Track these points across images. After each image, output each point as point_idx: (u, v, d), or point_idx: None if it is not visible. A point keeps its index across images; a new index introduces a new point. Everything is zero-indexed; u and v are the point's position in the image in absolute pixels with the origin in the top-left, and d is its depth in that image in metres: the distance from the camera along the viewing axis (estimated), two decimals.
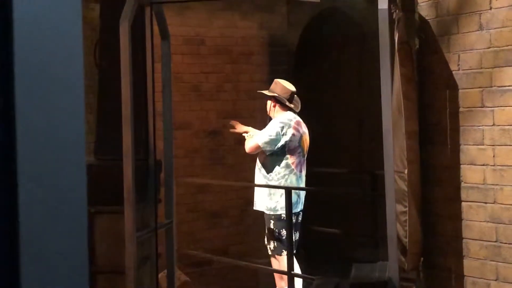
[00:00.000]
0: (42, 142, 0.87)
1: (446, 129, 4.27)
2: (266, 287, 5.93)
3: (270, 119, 5.43)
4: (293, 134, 5.28)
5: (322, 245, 6.72)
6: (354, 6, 7.09)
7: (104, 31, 4.39)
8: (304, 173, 5.40)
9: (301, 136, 5.34)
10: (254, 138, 5.35)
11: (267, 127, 5.36)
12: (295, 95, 5.44)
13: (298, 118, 5.41)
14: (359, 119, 7.41)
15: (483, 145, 4.07)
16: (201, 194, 6.96)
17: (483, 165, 4.07)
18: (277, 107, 5.41)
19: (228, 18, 7.17)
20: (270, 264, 5.48)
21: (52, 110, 0.88)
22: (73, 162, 0.90)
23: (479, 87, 4.07)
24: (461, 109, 4.19)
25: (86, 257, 0.91)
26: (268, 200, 5.31)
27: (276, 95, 5.38)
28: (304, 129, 5.41)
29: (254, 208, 5.44)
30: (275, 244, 5.30)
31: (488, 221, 4.04)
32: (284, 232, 5.26)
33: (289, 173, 5.30)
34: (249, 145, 5.36)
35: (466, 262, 4.17)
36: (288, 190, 5.15)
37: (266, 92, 5.44)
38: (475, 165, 4.11)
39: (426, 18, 4.38)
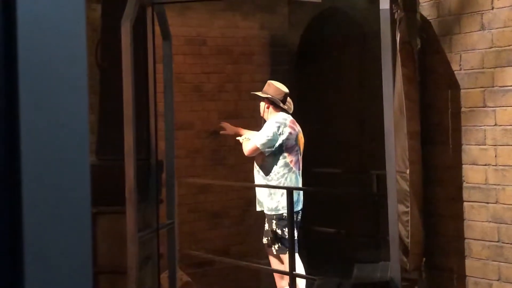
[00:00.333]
0: (46, 142, 0.86)
1: (448, 129, 4.27)
2: (267, 287, 5.93)
3: (264, 121, 5.46)
4: (290, 133, 5.31)
5: (324, 245, 6.71)
6: (356, 6, 7.09)
7: (105, 32, 4.39)
8: (300, 171, 5.42)
9: (297, 134, 5.38)
10: (252, 141, 5.36)
11: (263, 128, 5.38)
12: (288, 97, 5.46)
13: (292, 118, 5.44)
14: (361, 120, 7.41)
15: (485, 145, 4.06)
16: (202, 195, 6.96)
17: (485, 165, 4.06)
18: (271, 108, 5.44)
19: (229, 18, 7.17)
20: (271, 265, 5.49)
21: (56, 110, 0.88)
22: (76, 163, 0.90)
23: (481, 87, 4.07)
24: (463, 109, 4.19)
25: (90, 257, 0.91)
26: (269, 201, 5.32)
27: (270, 96, 5.40)
28: (299, 127, 5.45)
29: (257, 209, 5.46)
30: (279, 244, 5.31)
31: (490, 221, 4.04)
32: (286, 232, 5.26)
33: (288, 171, 5.32)
34: (247, 148, 5.37)
35: (468, 262, 4.17)
36: (290, 190, 5.16)
37: (259, 93, 5.47)
38: (477, 165, 4.11)
39: (428, 18, 4.38)
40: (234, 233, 7.01)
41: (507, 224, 3.95)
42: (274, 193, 5.32)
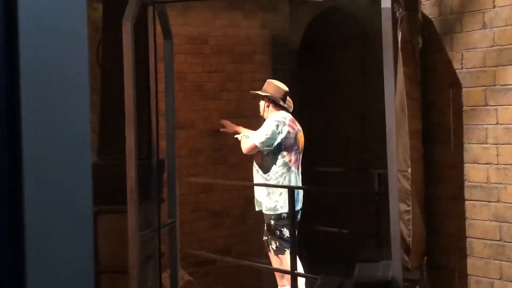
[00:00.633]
0: (47, 142, 0.86)
1: (450, 128, 4.26)
2: (269, 287, 5.94)
3: (264, 120, 5.46)
4: (289, 132, 5.31)
5: (325, 244, 6.72)
6: (357, 5, 7.09)
7: (107, 31, 4.39)
8: (299, 170, 5.42)
9: (297, 134, 5.38)
10: (251, 139, 5.36)
11: (262, 126, 5.38)
12: (288, 95, 5.47)
13: (292, 117, 5.43)
14: (362, 119, 7.40)
15: (486, 143, 4.06)
16: (204, 194, 6.96)
17: (487, 164, 4.06)
18: (271, 107, 5.44)
19: (230, 17, 7.17)
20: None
21: (57, 109, 0.88)
22: (78, 162, 0.90)
23: (483, 86, 4.06)
24: (464, 108, 4.19)
25: (91, 257, 0.91)
26: (267, 200, 5.32)
27: (270, 95, 5.39)
28: (299, 126, 5.44)
29: (256, 209, 5.45)
30: (277, 244, 5.31)
31: (491, 220, 4.04)
32: (285, 231, 5.27)
33: (287, 171, 5.32)
34: (246, 146, 5.36)
35: (469, 261, 4.17)
36: (291, 189, 5.16)
37: (259, 92, 5.46)
38: (478, 164, 4.11)
39: (429, 16, 4.38)
40: (236, 233, 7.01)
41: (508, 223, 3.95)
42: (272, 192, 5.32)
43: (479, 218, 4.11)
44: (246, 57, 7.26)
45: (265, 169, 5.35)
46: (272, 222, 5.31)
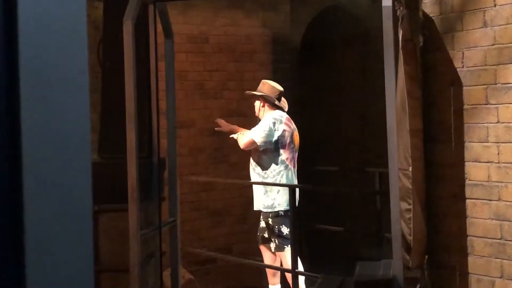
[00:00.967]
0: (47, 141, 0.86)
1: (450, 126, 4.26)
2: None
3: (259, 120, 5.49)
4: (285, 130, 5.36)
5: (326, 243, 6.72)
6: (358, 3, 7.09)
7: (107, 30, 4.39)
8: (296, 168, 5.46)
9: (293, 132, 5.42)
10: (249, 134, 5.39)
11: (259, 124, 5.43)
12: (282, 95, 5.51)
13: (288, 116, 5.48)
14: (363, 117, 7.40)
15: (487, 142, 4.06)
16: (205, 193, 6.96)
17: (488, 162, 4.06)
18: (266, 107, 5.49)
19: (231, 16, 7.16)
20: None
21: (57, 109, 0.88)
22: (78, 161, 0.90)
23: (484, 84, 4.06)
24: (465, 107, 4.18)
25: (91, 255, 0.91)
26: (265, 198, 5.36)
27: (265, 95, 5.43)
28: (294, 125, 5.49)
29: (254, 208, 5.48)
30: (277, 242, 5.33)
31: (492, 219, 4.04)
32: (283, 229, 5.31)
33: (284, 168, 5.36)
34: (244, 141, 5.38)
35: (470, 260, 4.17)
36: (292, 188, 5.17)
37: (255, 92, 5.50)
38: (479, 162, 4.11)
39: (430, 15, 4.37)
40: (237, 231, 7.01)
41: (509, 221, 3.95)
42: (270, 190, 5.35)
43: (480, 216, 4.11)
44: (247, 56, 7.26)
45: (262, 167, 5.39)
46: (270, 220, 5.33)
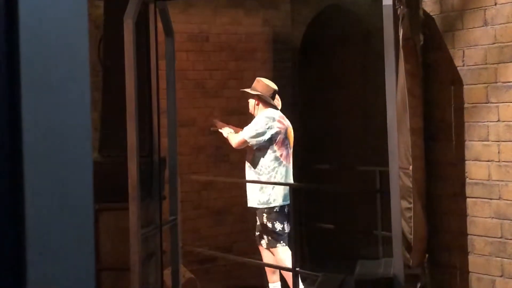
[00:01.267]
0: (48, 139, 0.86)
1: (451, 125, 4.26)
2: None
3: (253, 117, 5.54)
4: (279, 127, 5.40)
5: (326, 242, 6.72)
6: (358, 2, 7.08)
7: (108, 28, 4.39)
8: (291, 164, 5.48)
9: (286, 129, 5.47)
10: (240, 134, 5.46)
11: (252, 122, 5.47)
12: (276, 93, 5.56)
13: (281, 114, 5.53)
14: (363, 116, 7.40)
15: (488, 141, 4.06)
16: (205, 191, 6.96)
17: (488, 161, 4.06)
18: (260, 105, 5.53)
19: (232, 15, 7.16)
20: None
21: (58, 107, 0.88)
22: (79, 159, 0.90)
23: (484, 83, 4.06)
24: (466, 105, 4.18)
25: (93, 254, 0.91)
26: (260, 194, 5.41)
27: (260, 93, 5.46)
28: (288, 123, 5.54)
29: (249, 205, 5.53)
30: (269, 238, 5.38)
31: (493, 217, 4.04)
32: (277, 225, 5.37)
33: (278, 165, 5.40)
34: (235, 140, 5.47)
35: (471, 259, 4.17)
36: (292, 187, 5.17)
37: (249, 90, 5.54)
38: (480, 161, 4.11)
39: (431, 14, 4.37)
40: (237, 230, 7.01)
41: (510, 220, 3.95)
42: (265, 186, 5.41)
43: (480, 215, 4.11)
44: (248, 55, 7.26)
45: (257, 164, 5.44)
46: (265, 216, 5.37)
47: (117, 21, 3.71)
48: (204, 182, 6.89)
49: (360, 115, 7.45)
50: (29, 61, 0.84)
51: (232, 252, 6.81)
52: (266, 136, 5.36)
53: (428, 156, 4.31)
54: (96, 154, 4.26)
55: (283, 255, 5.39)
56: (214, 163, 7.00)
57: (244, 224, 6.98)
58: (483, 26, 4.04)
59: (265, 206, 5.38)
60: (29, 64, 0.84)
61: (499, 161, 4.01)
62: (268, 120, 5.39)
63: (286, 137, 5.44)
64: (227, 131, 5.60)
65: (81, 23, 0.92)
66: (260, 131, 5.37)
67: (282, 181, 5.38)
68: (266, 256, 5.53)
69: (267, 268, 5.58)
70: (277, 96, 5.57)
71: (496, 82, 3.99)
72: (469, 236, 4.18)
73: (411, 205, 4.17)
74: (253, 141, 5.37)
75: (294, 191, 5.14)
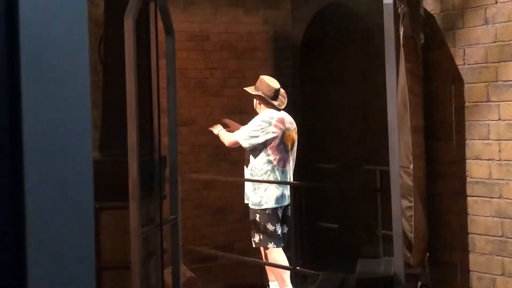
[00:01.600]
0: (48, 139, 0.86)
1: (452, 124, 4.26)
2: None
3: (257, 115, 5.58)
4: (274, 132, 5.39)
5: (327, 241, 6.72)
6: (359, 1, 7.08)
7: (108, 27, 4.39)
8: (289, 168, 5.50)
9: (284, 133, 5.42)
10: (234, 134, 5.48)
11: (248, 123, 5.48)
12: (281, 92, 5.54)
13: (282, 115, 5.49)
14: (364, 115, 7.40)
15: (488, 139, 4.06)
16: (206, 190, 6.96)
17: (489, 159, 4.06)
18: (262, 104, 5.53)
19: (232, 14, 7.16)
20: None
21: (58, 106, 0.88)
22: (79, 158, 0.90)
23: (485, 82, 4.06)
24: (466, 104, 4.18)
25: (93, 253, 0.91)
26: (253, 195, 5.44)
27: (260, 93, 5.45)
28: (289, 125, 5.49)
29: (245, 201, 5.58)
30: (260, 237, 5.41)
31: (494, 216, 4.03)
32: (269, 226, 5.40)
33: (271, 169, 5.41)
34: (229, 140, 5.51)
35: (471, 257, 4.17)
36: (292, 186, 5.18)
37: (250, 90, 5.55)
38: (480, 159, 4.10)
39: (431, 12, 4.37)
40: (238, 229, 7.01)
41: (510, 218, 3.95)
42: (258, 188, 5.44)
43: (481, 214, 4.11)
44: (248, 54, 7.25)
45: (252, 165, 5.47)
46: (257, 215, 5.37)
47: (117, 20, 3.71)
48: (205, 181, 6.89)
49: (360, 114, 7.45)
50: (29, 60, 0.84)
51: (232, 251, 6.81)
52: (260, 140, 5.36)
53: (429, 155, 4.31)
54: (96, 153, 4.26)
55: (276, 256, 5.41)
56: (214, 162, 6.99)
57: (244, 223, 6.98)
58: (483, 24, 4.04)
59: (257, 207, 5.43)
60: (29, 63, 0.84)
61: (499, 160, 4.00)
62: (263, 123, 5.38)
63: (282, 141, 5.42)
64: (218, 129, 5.61)
65: (81, 22, 0.92)
66: (253, 134, 5.37)
67: (275, 184, 5.40)
68: (268, 256, 5.54)
69: (267, 267, 5.60)
70: (283, 94, 5.54)
71: (497, 81, 3.99)
72: (469, 235, 4.18)
73: (412, 204, 4.17)
74: (245, 144, 5.39)
75: (295, 189, 5.14)
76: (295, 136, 5.54)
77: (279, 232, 5.40)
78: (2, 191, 0.83)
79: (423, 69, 4.36)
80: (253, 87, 5.56)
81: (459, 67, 4.21)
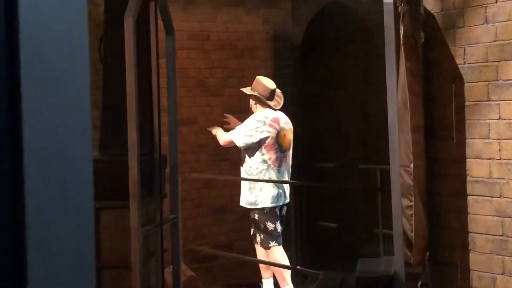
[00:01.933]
0: (48, 138, 0.86)
1: (452, 123, 4.26)
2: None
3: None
4: (268, 131, 5.42)
5: (327, 240, 6.72)
6: (359, 0, 7.08)
7: (108, 27, 4.39)
8: (285, 167, 5.52)
9: (279, 133, 5.44)
10: (229, 133, 5.53)
11: (243, 123, 5.52)
12: (277, 92, 5.57)
13: (277, 115, 5.52)
14: (364, 114, 7.40)
15: (489, 139, 4.06)
16: (206, 190, 6.96)
17: (489, 159, 4.06)
18: (258, 104, 5.57)
19: (232, 13, 7.16)
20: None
21: (58, 106, 0.88)
22: (79, 158, 0.90)
23: (485, 81, 4.06)
24: (467, 103, 4.18)
25: (93, 252, 0.91)
26: (248, 195, 5.47)
27: (256, 93, 5.49)
28: (284, 125, 5.52)
29: (240, 204, 5.58)
30: (262, 236, 5.42)
31: (494, 215, 4.03)
32: (269, 225, 5.42)
33: (266, 168, 5.44)
34: (224, 139, 5.56)
35: (472, 256, 4.17)
36: (293, 186, 5.18)
37: (246, 90, 5.59)
38: (481, 159, 4.10)
39: (432, 11, 4.37)
40: (238, 228, 7.01)
41: (511, 218, 3.95)
42: (253, 187, 5.46)
43: (481, 213, 4.11)
44: (248, 53, 7.25)
45: (247, 164, 5.51)
46: (256, 216, 5.39)
47: (117, 19, 3.71)
48: (205, 180, 6.89)
49: (360, 113, 7.45)
50: (29, 60, 0.84)
51: (233, 250, 6.81)
52: (254, 139, 5.39)
53: (429, 154, 4.31)
54: (96, 153, 4.26)
55: (278, 255, 5.43)
56: (215, 161, 6.99)
57: (244, 222, 6.98)
58: (484, 23, 4.04)
59: (253, 207, 5.46)
60: (29, 63, 0.84)
61: (500, 159, 4.00)
62: (258, 123, 5.42)
63: (276, 141, 5.45)
64: (216, 130, 5.66)
65: (81, 21, 0.92)
66: (248, 133, 5.40)
67: (271, 183, 5.42)
68: (261, 253, 5.58)
69: (260, 265, 5.64)
70: (279, 94, 5.57)
71: (497, 80, 3.99)
72: (470, 234, 4.18)
73: (412, 203, 4.17)
74: (240, 143, 5.43)
75: (295, 189, 5.14)
76: (290, 136, 5.56)
77: (279, 230, 5.42)
78: (2, 191, 0.83)
79: (423, 68, 4.36)
80: (249, 87, 5.59)
81: (459, 66, 4.20)
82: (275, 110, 5.53)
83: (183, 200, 5.02)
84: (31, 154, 0.83)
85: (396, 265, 3.87)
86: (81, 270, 0.89)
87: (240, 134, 5.43)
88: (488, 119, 4.05)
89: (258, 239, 5.49)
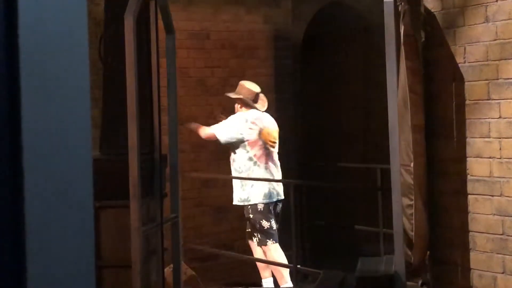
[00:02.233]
0: (48, 137, 0.86)
1: (452, 122, 4.26)
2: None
3: None
4: (250, 128, 5.54)
5: (328, 239, 6.72)
6: None
7: (109, 26, 4.39)
8: (272, 164, 5.61)
9: (261, 130, 5.57)
10: (212, 127, 5.66)
11: (227, 120, 5.65)
12: (261, 96, 5.73)
13: (260, 114, 5.66)
14: (365, 113, 7.40)
15: (489, 137, 4.06)
16: (206, 189, 6.96)
17: (490, 158, 4.06)
18: (243, 108, 5.72)
19: (233, 12, 7.15)
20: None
21: (58, 105, 0.88)
22: (79, 157, 0.90)
23: (485, 80, 4.06)
24: (467, 102, 4.18)
25: (93, 251, 0.91)
26: (240, 192, 5.56)
27: (241, 97, 5.66)
28: (267, 123, 5.65)
29: (233, 202, 5.63)
30: (259, 236, 5.44)
31: (494, 214, 4.03)
32: (264, 223, 5.47)
33: (253, 165, 5.54)
34: (205, 133, 5.69)
35: (472, 255, 4.17)
36: (293, 185, 5.18)
37: (231, 95, 5.76)
38: (481, 158, 4.10)
39: (432, 10, 4.37)
40: (238, 227, 7.01)
41: (511, 216, 3.95)
42: (245, 184, 5.55)
43: (482, 212, 4.11)
44: (249, 52, 7.25)
45: (236, 162, 5.61)
46: (250, 214, 5.41)
47: (117, 19, 3.71)
48: (205, 179, 6.89)
49: (361, 112, 7.45)
50: (29, 59, 0.84)
51: (233, 249, 6.81)
52: (235, 135, 5.50)
53: (430, 153, 4.31)
54: (97, 152, 4.26)
55: (275, 252, 5.45)
56: (215, 160, 6.99)
57: (245, 221, 6.98)
58: (484, 22, 4.04)
59: (246, 203, 5.49)
60: (29, 62, 0.84)
61: (500, 158, 4.00)
62: (240, 120, 5.56)
63: (260, 138, 5.54)
64: (193, 125, 5.80)
65: (81, 21, 0.92)
66: (228, 128, 5.53)
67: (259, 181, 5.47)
68: (257, 252, 5.60)
69: (259, 264, 5.65)
70: (262, 97, 5.73)
71: (498, 79, 3.99)
72: (470, 233, 4.18)
73: (412, 202, 4.17)
74: (222, 138, 5.54)
75: (295, 188, 5.15)
76: (275, 135, 5.68)
77: (275, 227, 5.46)
78: (2, 191, 0.83)
79: (424, 67, 4.36)
80: (233, 92, 5.71)
81: (459, 65, 4.20)
82: (260, 111, 5.66)
83: (183, 199, 5.02)
84: (31, 153, 0.83)
85: (396, 264, 3.87)
86: (81, 270, 0.89)
87: (221, 129, 5.56)
88: (489, 118, 4.05)
89: (256, 239, 5.51)
